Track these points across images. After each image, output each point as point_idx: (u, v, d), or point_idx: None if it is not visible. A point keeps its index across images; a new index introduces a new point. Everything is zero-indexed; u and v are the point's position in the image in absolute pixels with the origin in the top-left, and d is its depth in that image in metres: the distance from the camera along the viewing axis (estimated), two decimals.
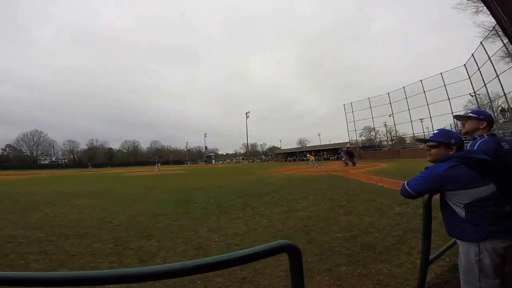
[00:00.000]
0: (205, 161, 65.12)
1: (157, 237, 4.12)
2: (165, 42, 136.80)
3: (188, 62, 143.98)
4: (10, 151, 62.10)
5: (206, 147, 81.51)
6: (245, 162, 64.82)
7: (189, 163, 68.89)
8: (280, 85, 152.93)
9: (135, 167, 50.45)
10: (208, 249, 3.51)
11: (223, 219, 5.06)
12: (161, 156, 59.01)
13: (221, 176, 17.31)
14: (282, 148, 74.54)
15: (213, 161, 71.35)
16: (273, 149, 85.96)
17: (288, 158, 56.71)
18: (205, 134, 76.24)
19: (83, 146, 74.89)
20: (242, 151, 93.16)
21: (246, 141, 75.72)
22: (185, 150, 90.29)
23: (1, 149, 61.89)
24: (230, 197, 7.50)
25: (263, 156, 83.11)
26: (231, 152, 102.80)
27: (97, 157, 72.50)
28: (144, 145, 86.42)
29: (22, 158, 60.78)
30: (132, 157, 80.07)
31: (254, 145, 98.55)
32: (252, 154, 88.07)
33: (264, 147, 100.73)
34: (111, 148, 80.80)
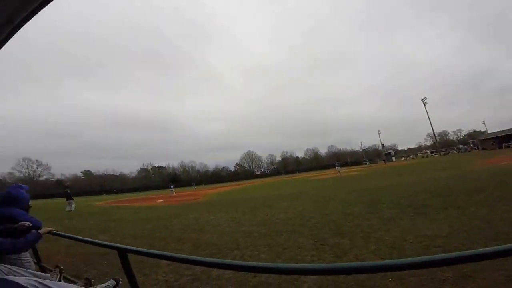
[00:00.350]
0: (384, 160, 60.44)
1: (349, 235, 4.49)
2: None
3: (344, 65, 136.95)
4: (238, 167, 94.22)
5: (382, 145, 74.02)
6: (435, 156, 57.26)
7: (367, 163, 66.30)
8: (456, 59, 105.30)
9: (317, 171, 56.40)
10: (402, 249, 3.40)
11: (419, 219, 4.67)
12: (339, 159, 61.53)
13: (405, 173, 15.41)
14: (489, 132, 61.84)
15: (393, 158, 62.77)
16: (474, 134, 74.02)
17: (504, 144, 46.43)
18: (378, 131, 71.28)
19: (278, 157, 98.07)
20: (428, 143, 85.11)
21: (431, 131, 59.77)
22: (361, 150, 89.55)
23: (234, 166, 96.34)
24: (423, 196, 6.81)
25: (461, 146, 69.62)
26: (413, 146, 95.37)
27: (288, 165, 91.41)
28: (323, 150, 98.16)
29: (245, 172, 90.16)
30: (314, 162, 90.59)
31: (443, 134, 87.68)
32: (443, 144, 77.72)
33: (459, 134, 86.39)
34: (298, 157, 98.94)
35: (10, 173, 58.36)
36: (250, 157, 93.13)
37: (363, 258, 3.38)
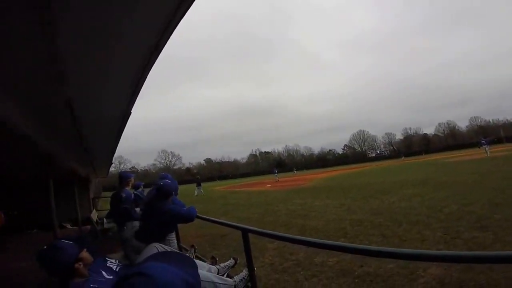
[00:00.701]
0: None
1: (493, 229, 3.76)
2: None
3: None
4: (347, 149, 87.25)
5: None
6: None
7: None
8: None
9: (454, 152, 44.42)
10: None
11: None
12: (487, 134, 45.87)
13: None
14: None
15: None
16: None
17: None
18: None
19: (399, 136, 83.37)
20: None
21: None
22: None
23: (342, 149, 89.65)
24: None
25: None
26: None
27: (413, 145, 76.77)
28: (462, 124, 77.22)
29: (355, 154, 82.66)
30: (451, 139, 72.10)
31: None
32: None
33: None
34: (426, 134, 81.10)
35: (154, 164, 78.51)
36: (361, 137, 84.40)
37: None
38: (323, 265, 3.51)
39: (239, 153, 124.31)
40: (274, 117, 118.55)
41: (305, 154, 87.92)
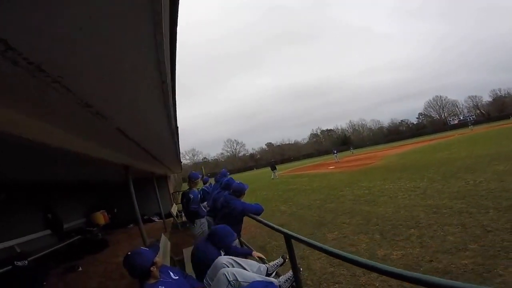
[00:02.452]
0: None
1: None
2: None
3: None
4: (423, 118, 76.19)
5: None
6: None
7: None
8: None
9: None
10: None
11: None
12: None
13: None
14: None
15: None
16: None
17: None
18: None
19: (486, 98, 71.01)
20: None
21: None
22: None
23: (416, 118, 78.74)
24: None
25: None
26: None
27: (506, 107, 63.08)
28: None
29: (434, 122, 71.80)
30: None
31: None
32: None
33: None
34: None
35: (222, 153, 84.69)
36: (439, 103, 73.58)
37: None
38: (386, 259, 3.32)
39: (300, 134, 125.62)
40: (332, 94, 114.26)
41: (373, 128, 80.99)
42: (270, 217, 7.23)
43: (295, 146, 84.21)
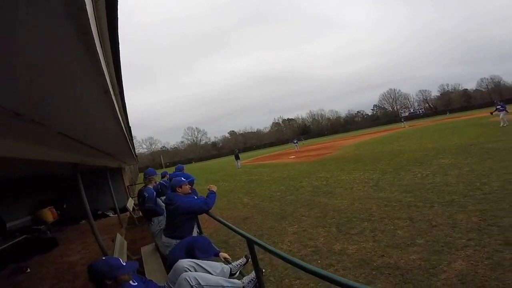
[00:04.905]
0: None
1: None
2: None
3: None
4: (377, 110, 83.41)
5: None
6: None
7: None
8: None
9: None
10: None
11: None
12: None
13: None
14: None
15: None
16: None
17: None
18: None
19: (435, 93, 79.26)
20: None
21: None
22: None
23: (371, 109, 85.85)
24: None
25: None
26: None
27: (451, 102, 72.70)
28: (508, 78, 72.09)
29: (387, 114, 78.96)
30: (496, 94, 67.38)
31: None
32: None
33: None
34: (466, 90, 76.60)
35: (182, 142, 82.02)
36: (392, 96, 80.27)
37: None
38: (342, 253, 3.52)
39: (262, 122, 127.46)
40: (295, 84, 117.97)
41: (331, 118, 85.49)
42: (233, 210, 7.23)
43: (258, 134, 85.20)
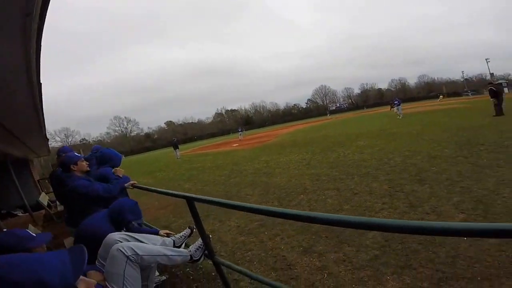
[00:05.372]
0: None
1: (430, 182, 4.15)
2: None
3: None
4: (310, 104, 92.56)
5: (491, 74, 56.41)
6: None
7: (469, 94, 55.73)
8: None
9: (405, 104, 51.63)
10: (491, 205, 3.04)
11: None
12: (432, 90, 52.38)
13: None
14: None
15: (505, 89, 47.56)
16: None
17: None
18: (486, 59, 57.07)
19: (356, 90, 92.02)
20: None
21: None
22: (462, 80, 74.07)
23: (305, 103, 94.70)
24: None
25: None
26: None
27: (369, 99, 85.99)
28: (412, 81, 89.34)
29: (318, 108, 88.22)
30: (401, 94, 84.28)
31: None
32: None
33: None
34: (380, 89, 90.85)
35: (107, 133, 72.55)
36: (323, 91, 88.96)
37: (441, 211, 3.13)
38: (285, 224, 3.71)
39: (204, 113, 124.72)
40: (238, 77, 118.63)
41: (271, 110, 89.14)
42: (173, 198, 6.88)
43: (199, 125, 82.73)
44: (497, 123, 8.91)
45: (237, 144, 21.66)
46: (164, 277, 2.79)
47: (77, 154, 2.64)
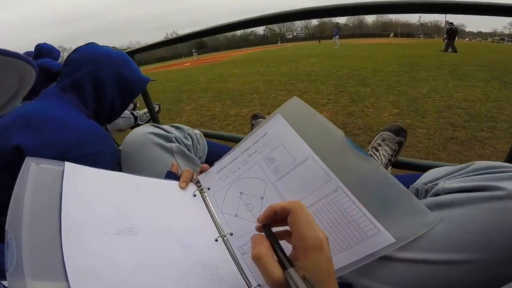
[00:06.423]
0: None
1: (372, 86, 4.65)
2: None
3: None
4: (268, 30, 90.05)
5: (447, 22, 56.88)
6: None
7: (421, 36, 57.47)
8: None
9: (360, 38, 52.03)
10: (422, 104, 3.53)
11: (452, 83, 4.58)
12: (388, 29, 53.34)
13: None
14: None
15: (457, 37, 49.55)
16: None
17: None
18: None
19: (315, 22, 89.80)
20: (507, 31, 67.73)
21: None
22: (417, 23, 75.78)
23: (263, 30, 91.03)
24: (472, 67, 6.20)
25: None
26: (486, 30, 76.56)
27: (326, 31, 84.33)
28: (370, 19, 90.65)
29: (275, 35, 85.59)
30: (357, 29, 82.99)
31: None
32: None
33: None
34: (338, 23, 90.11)
35: None
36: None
37: (379, 106, 3.58)
38: (237, 115, 3.91)
39: (153, 39, 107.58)
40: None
41: (228, 35, 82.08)
42: None
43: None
44: (442, 55, 9.73)
45: (189, 63, 20.23)
46: None
47: None
